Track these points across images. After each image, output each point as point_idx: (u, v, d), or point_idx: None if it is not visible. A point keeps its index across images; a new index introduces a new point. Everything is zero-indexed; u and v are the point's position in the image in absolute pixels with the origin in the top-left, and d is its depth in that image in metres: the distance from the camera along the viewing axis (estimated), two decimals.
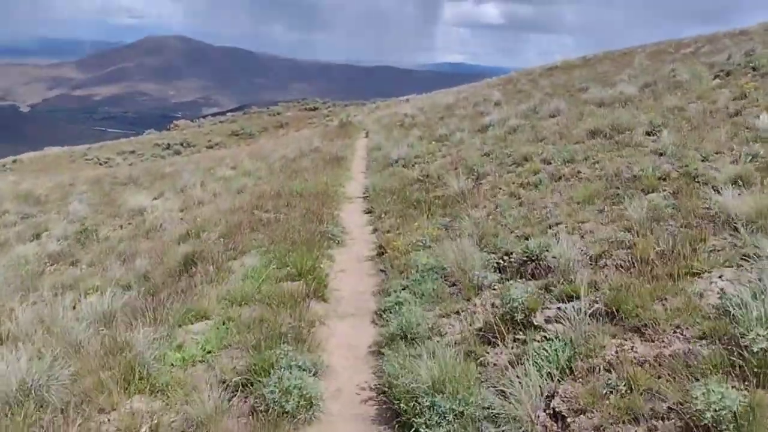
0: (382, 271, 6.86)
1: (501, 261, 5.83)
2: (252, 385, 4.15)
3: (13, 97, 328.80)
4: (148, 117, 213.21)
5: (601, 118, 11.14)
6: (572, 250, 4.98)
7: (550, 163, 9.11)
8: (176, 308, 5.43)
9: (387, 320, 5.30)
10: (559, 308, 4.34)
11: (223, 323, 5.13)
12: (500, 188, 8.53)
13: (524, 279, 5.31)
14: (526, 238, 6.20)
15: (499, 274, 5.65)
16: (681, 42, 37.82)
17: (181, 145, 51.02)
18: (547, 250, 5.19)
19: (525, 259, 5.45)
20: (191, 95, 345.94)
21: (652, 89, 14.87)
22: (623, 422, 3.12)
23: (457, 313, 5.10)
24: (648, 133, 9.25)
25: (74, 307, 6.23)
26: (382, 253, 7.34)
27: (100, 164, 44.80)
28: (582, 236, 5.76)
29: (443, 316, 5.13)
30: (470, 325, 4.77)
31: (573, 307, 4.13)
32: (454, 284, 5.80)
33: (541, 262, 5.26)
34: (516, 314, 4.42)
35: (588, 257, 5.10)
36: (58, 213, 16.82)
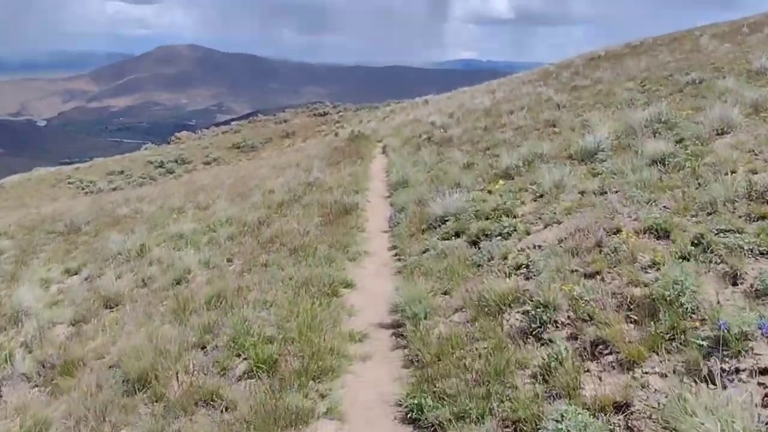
0: None
1: None
2: None
3: (30, 112, 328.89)
4: (163, 126, 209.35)
5: None
6: None
7: None
8: None
9: None
10: None
11: None
12: None
13: None
14: None
15: None
16: (748, 21, 31.54)
17: (176, 162, 45.54)
18: None
19: None
20: (204, 103, 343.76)
21: None
22: None
23: None
24: None
25: None
26: None
27: (82, 189, 39.46)
28: None
29: None
30: None
31: None
32: None
33: None
34: None
35: None
36: None
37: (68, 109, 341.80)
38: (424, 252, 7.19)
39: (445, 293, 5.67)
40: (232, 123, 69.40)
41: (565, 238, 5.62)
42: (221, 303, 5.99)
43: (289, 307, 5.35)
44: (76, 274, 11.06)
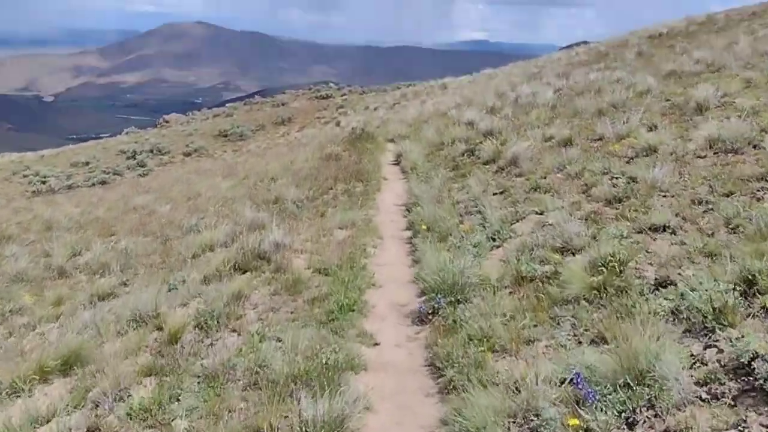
0: None
1: None
2: None
3: (37, 87, 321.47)
4: (170, 103, 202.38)
5: None
6: None
7: None
8: None
9: None
10: None
11: None
12: None
13: None
14: None
15: None
16: None
17: (151, 151, 38.84)
18: None
19: None
20: (212, 81, 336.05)
21: None
22: None
23: None
24: None
25: None
26: None
27: (33, 185, 32.92)
28: None
29: None
30: None
31: None
32: None
33: None
34: None
35: None
36: None
37: (76, 84, 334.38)
38: None
39: None
40: (227, 105, 62.51)
41: None
42: None
43: None
44: None
